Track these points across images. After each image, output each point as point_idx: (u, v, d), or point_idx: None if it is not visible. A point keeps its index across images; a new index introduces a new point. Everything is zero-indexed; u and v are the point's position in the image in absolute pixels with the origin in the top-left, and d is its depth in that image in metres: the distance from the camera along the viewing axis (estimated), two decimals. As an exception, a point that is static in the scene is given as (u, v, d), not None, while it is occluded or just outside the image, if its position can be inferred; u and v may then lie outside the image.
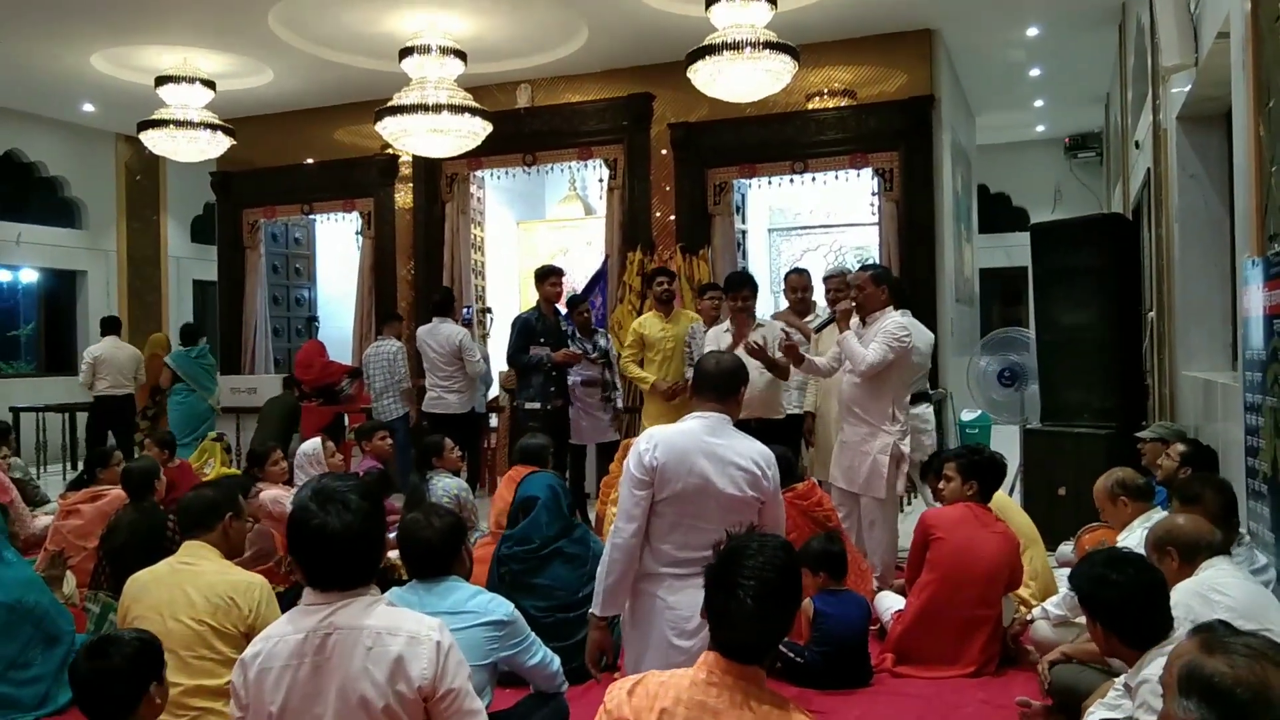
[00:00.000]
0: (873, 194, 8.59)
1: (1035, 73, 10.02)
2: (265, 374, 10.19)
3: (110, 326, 9.19)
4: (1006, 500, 4.76)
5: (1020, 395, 6.81)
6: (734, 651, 1.87)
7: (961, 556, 3.98)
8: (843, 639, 3.92)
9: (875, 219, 8.62)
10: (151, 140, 8.47)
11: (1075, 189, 13.10)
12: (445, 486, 5.04)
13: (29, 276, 11.94)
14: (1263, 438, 3.51)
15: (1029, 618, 4.07)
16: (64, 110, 10.73)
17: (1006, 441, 6.86)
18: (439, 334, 7.40)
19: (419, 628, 2.01)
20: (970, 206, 10.91)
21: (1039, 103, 11.41)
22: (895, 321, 4.78)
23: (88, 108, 10.58)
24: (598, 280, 9.27)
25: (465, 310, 9.07)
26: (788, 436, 5.57)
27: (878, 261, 8.09)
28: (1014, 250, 12.57)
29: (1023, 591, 4.36)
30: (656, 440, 2.82)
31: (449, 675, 1.99)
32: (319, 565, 2.01)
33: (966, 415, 8.98)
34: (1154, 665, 2.36)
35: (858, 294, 4.90)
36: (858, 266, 6.30)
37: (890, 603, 4.33)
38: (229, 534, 3.21)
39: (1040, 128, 12.77)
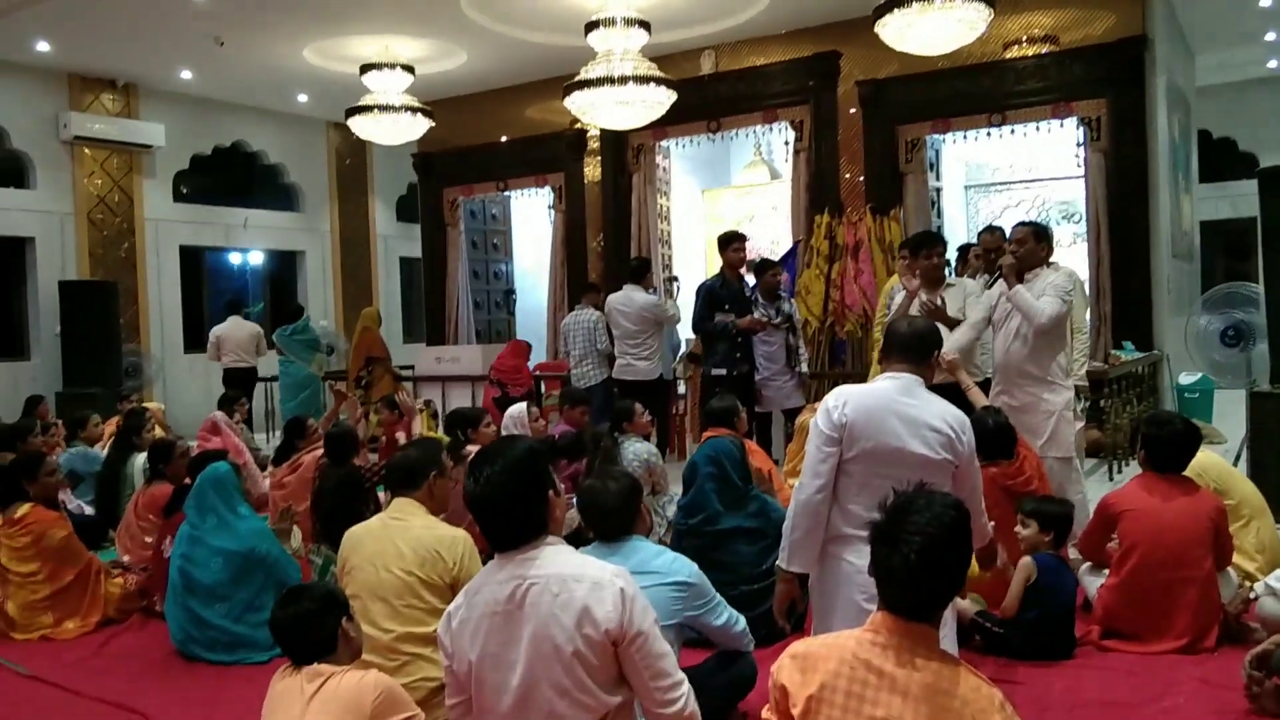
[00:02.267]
0: (1078, 145, 8.09)
1: (1266, 3, 9.11)
2: (467, 344, 10.69)
3: (232, 308, 9.98)
4: (1228, 469, 4.41)
5: (1247, 355, 6.30)
6: (901, 609, 1.84)
7: (1153, 523, 3.74)
8: (1054, 607, 3.75)
9: (1081, 171, 8.12)
10: (358, 126, 9.03)
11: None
12: (635, 451, 5.14)
13: (256, 259, 12.97)
14: None
15: (1254, 594, 3.77)
16: (281, 101, 11.56)
17: (1232, 405, 6.35)
18: (632, 301, 7.53)
19: (602, 574, 2.09)
20: (1189, 154, 10.09)
21: (1270, 36, 10.38)
22: (1063, 274, 4.59)
23: (301, 98, 11.36)
24: (790, 256, 9.16)
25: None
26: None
27: (1083, 217, 7.63)
28: (1240, 200, 11.54)
29: (1248, 565, 4.04)
30: (846, 397, 2.78)
31: (635, 619, 2.05)
32: (484, 526, 2.15)
33: (1185, 379, 8.35)
34: None
35: (1018, 248, 4.67)
36: (1060, 222, 5.96)
37: (1094, 576, 4.10)
38: (434, 492, 3.39)
39: (1272, 63, 11.62)
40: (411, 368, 10.15)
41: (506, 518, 2.13)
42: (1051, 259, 4.77)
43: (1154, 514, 3.77)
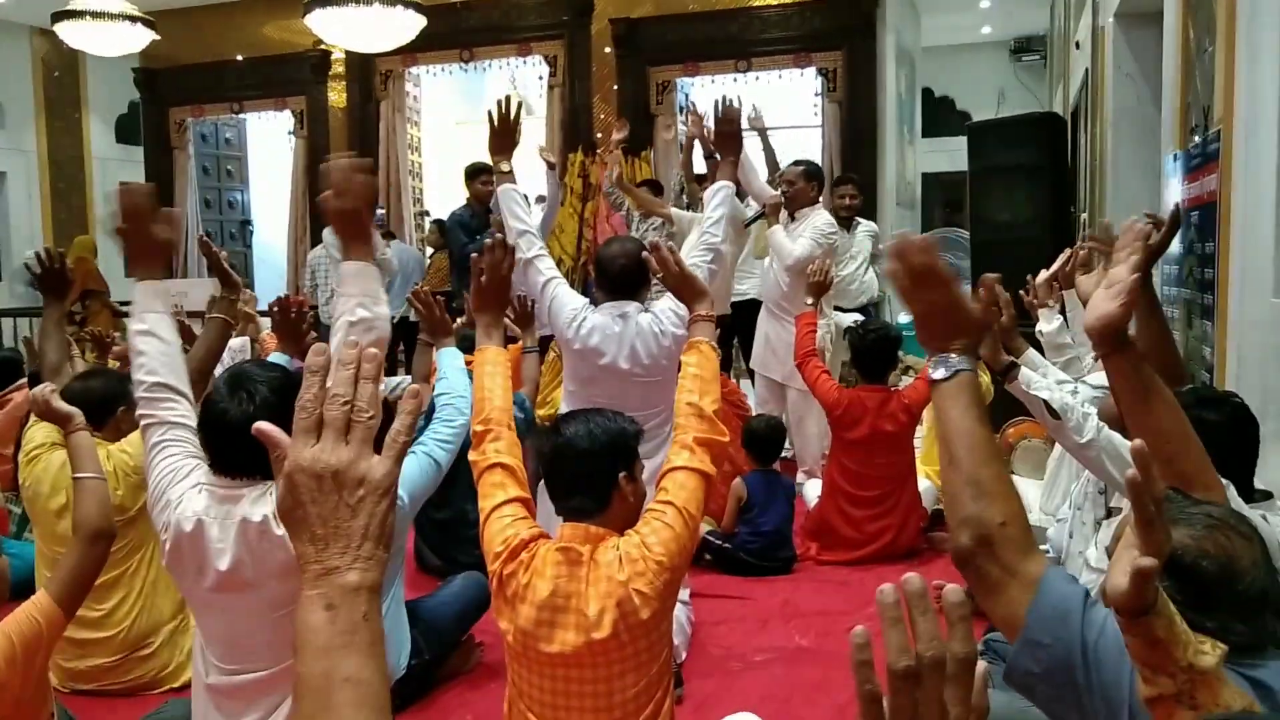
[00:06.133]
0: (815, 95, 8.50)
1: (982, -29, 9.88)
2: (199, 278, 9.95)
3: None
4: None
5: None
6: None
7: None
8: (764, 523, 4.01)
9: (819, 121, 8.54)
10: (67, 33, 8.06)
11: (1019, 92, 13.05)
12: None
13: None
14: (1177, 329, 3.59)
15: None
16: (-26, 1, 10.17)
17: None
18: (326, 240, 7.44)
19: None
20: (914, 109, 10.84)
21: (985, 3, 11.29)
22: (824, 218, 4.81)
23: (-1, -2, 10.04)
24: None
25: (378, 214, 8.91)
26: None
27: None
28: (957, 154, 12.51)
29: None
30: None
31: None
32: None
33: (904, 319, 9.07)
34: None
35: (788, 188, 4.90)
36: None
37: (815, 491, 4.42)
38: (122, 428, 3.12)
39: (986, 29, 12.65)
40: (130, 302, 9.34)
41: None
42: (818, 201, 5.00)
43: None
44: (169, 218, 2.20)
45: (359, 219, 2.09)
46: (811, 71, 8.43)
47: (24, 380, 4.92)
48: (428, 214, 9.77)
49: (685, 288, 2.37)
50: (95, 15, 7.92)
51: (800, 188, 4.88)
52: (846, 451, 4.16)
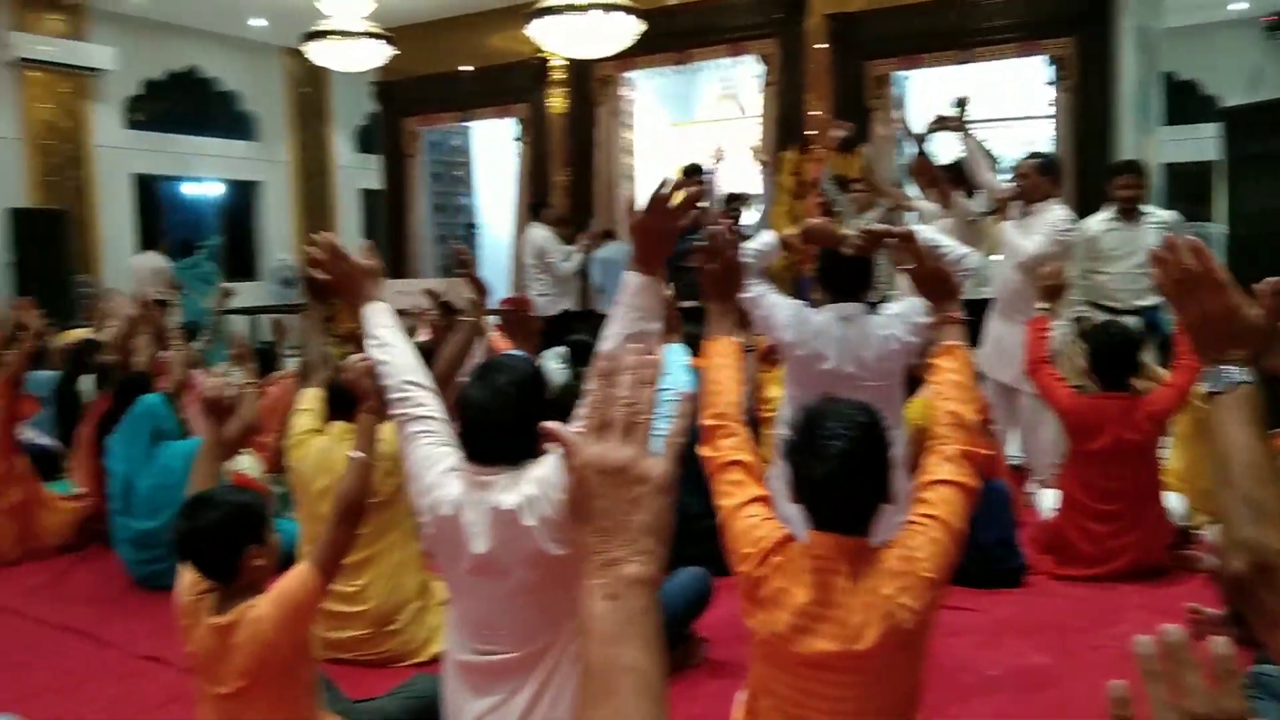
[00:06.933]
0: (1047, 84, 8.07)
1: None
2: (429, 278, 10.56)
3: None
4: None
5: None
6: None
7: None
8: (986, 535, 3.83)
9: (1051, 111, 8.11)
10: (315, 52, 8.74)
11: (1276, 73, 11.93)
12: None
13: (215, 190, 12.68)
14: None
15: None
16: (235, 26, 11.20)
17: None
18: (531, 239, 7.89)
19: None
20: (1154, 96, 10.10)
21: (1237, -23, 10.40)
22: (1060, 214, 4.57)
23: (256, 22, 11.02)
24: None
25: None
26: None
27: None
28: (1200, 143, 11.62)
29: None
30: None
31: None
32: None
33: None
34: None
35: (1021, 182, 4.67)
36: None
37: (1048, 501, 4.20)
38: None
39: (1237, 5, 11.63)
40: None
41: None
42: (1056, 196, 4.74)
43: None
44: (368, 251, 2.36)
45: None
46: (1040, 60, 8.01)
47: (286, 371, 5.37)
48: (640, 215, 9.94)
49: (937, 284, 2.26)
50: (341, 34, 8.55)
51: (1035, 181, 4.65)
52: (1085, 463, 3.91)
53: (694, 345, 4.64)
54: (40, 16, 10.11)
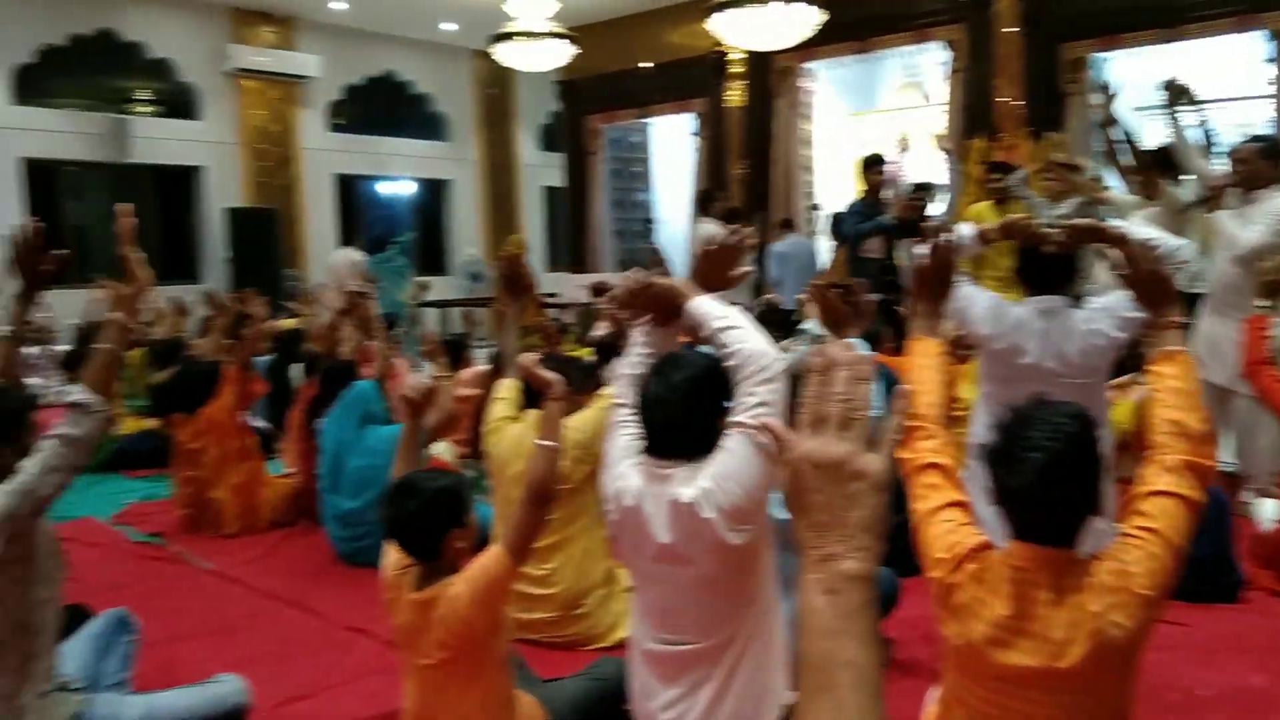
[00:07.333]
0: (1267, 60, 7.46)
1: None
2: (609, 273, 10.78)
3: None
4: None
5: None
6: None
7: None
8: (1204, 547, 3.59)
9: (1271, 91, 7.49)
10: (502, 54, 9.07)
11: None
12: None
13: (408, 188, 13.35)
14: None
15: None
16: (428, 31, 11.76)
17: None
18: (699, 233, 7.71)
19: None
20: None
21: None
22: None
23: (447, 26, 11.52)
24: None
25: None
26: None
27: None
28: None
29: None
30: None
31: None
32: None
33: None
34: None
35: (1241, 168, 4.33)
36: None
37: (1269, 511, 3.89)
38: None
39: None
40: (555, 295, 10.32)
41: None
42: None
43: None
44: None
45: None
46: (1259, 35, 7.41)
47: (477, 365, 5.59)
48: (818, 207, 9.84)
49: (1155, 287, 2.14)
50: (527, 35, 8.83)
51: (1256, 166, 4.29)
52: (1312, 470, 3.61)
53: (873, 341, 4.58)
54: (255, 29, 10.91)
